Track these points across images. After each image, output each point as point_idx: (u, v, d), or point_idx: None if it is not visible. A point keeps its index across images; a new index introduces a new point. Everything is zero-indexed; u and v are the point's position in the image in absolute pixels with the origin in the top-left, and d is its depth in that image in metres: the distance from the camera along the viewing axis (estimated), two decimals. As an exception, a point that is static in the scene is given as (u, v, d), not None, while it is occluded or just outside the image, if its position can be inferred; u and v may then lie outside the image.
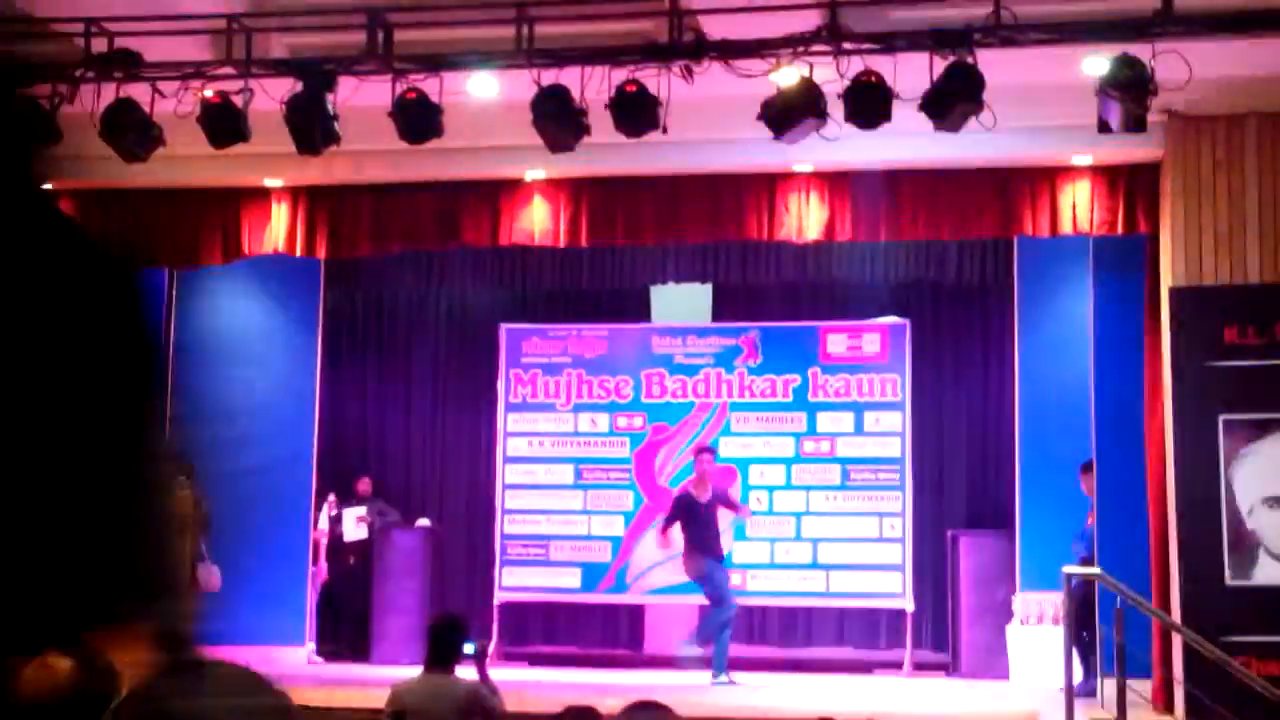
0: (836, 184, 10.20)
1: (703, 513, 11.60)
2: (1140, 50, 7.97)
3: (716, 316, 13.49)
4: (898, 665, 12.29)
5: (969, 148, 9.06)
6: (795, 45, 8.18)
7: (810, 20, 8.38)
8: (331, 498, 13.20)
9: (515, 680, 10.45)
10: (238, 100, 8.44)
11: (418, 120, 8.39)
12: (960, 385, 13.28)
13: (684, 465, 12.74)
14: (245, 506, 11.98)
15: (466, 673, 7.66)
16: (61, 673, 2.92)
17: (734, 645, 12.84)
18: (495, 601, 12.87)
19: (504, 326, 13.25)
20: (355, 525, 13.25)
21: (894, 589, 12.37)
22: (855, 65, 8.06)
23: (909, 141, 9.15)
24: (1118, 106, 7.95)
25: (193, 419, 12.54)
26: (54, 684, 2.90)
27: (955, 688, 11.43)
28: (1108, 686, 9.00)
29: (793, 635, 13.26)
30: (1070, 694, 8.72)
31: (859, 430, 12.61)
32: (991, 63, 7.89)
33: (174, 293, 12.87)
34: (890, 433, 12.56)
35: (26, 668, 2.93)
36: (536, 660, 12.79)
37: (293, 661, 12.06)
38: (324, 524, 13.09)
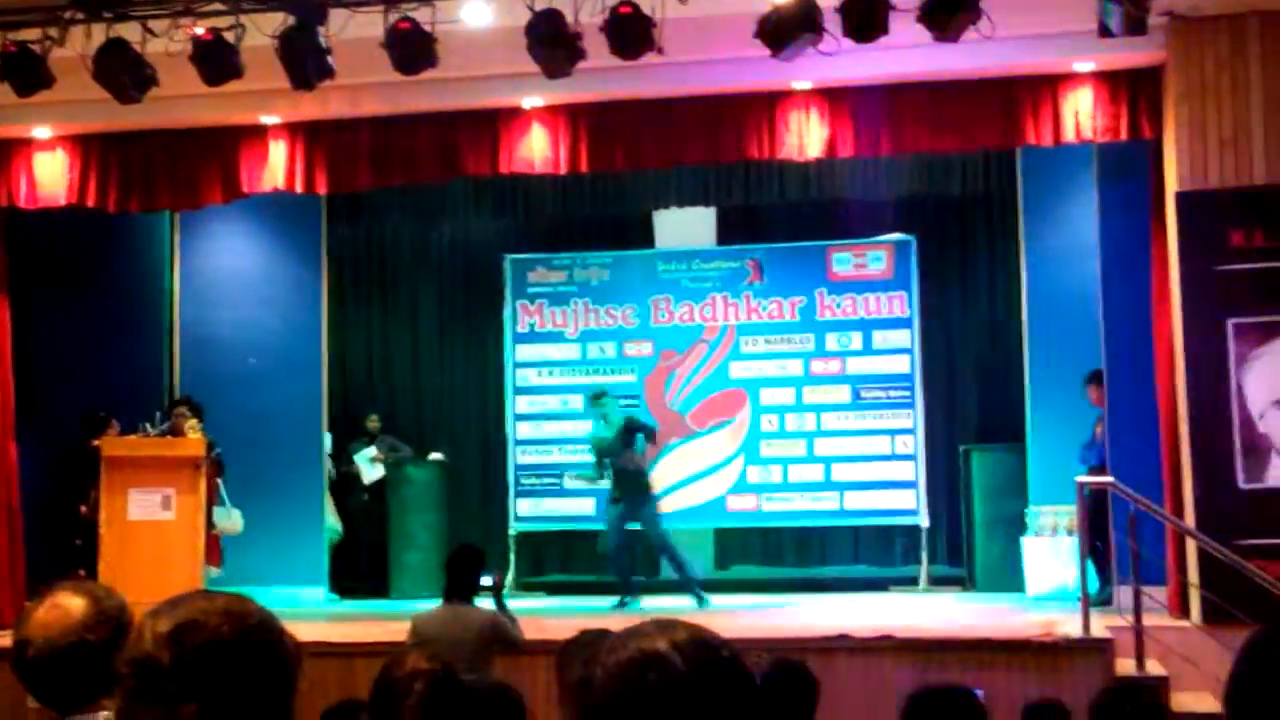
0: (836, 100, 10.10)
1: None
2: (1139, -49, 7.86)
3: (721, 240, 13.43)
4: (913, 581, 12.34)
5: (969, 58, 8.97)
6: (790, -41, 8.07)
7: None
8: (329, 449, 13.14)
9: (533, 609, 10.49)
10: (229, 37, 8.34)
11: (412, 51, 8.30)
12: (968, 299, 13.24)
13: (693, 390, 12.75)
14: (258, 447, 12.00)
15: (485, 603, 7.70)
16: (74, 613, 2.90)
17: (750, 565, 13.01)
18: (511, 532, 12.92)
19: (508, 257, 13.21)
20: (370, 466, 13.26)
21: (908, 506, 12.40)
22: (851, -23, 7.95)
23: (908, 54, 9.05)
24: (1118, 9, 7.84)
25: (201, 361, 12.60)
26: (67, 624, 2.88)
27: (971, 601, 11.47)
28: (1123, 594, 9.02)
29: (808, 555, 13.29)
30: (1086, 603, 8.75)
31: (868, 349, 12.59)
32: (989, -31, 7.78)
33: (177, 235, 12.86)
34: (899, 350, 12.54)
35: (39, 609, 2.92)
36: (554, 589, 12.84)
37: (312, 600, 12.13)
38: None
